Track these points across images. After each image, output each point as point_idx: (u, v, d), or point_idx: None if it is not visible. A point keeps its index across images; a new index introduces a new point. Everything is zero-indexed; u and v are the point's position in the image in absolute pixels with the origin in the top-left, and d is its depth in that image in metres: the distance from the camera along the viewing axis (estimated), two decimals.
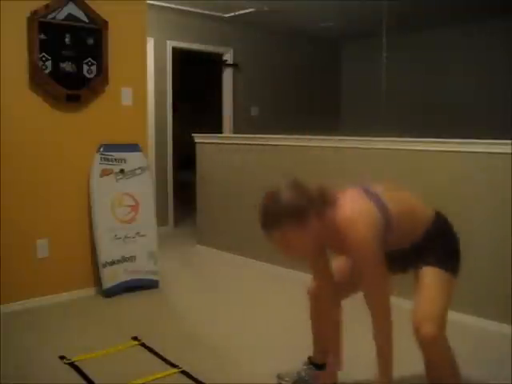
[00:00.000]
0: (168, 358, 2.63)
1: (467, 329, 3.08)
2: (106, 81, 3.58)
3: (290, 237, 1.81)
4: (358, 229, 1.80)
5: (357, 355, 2.75)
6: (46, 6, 3.26)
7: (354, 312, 3.46)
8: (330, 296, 2.22)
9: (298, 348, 2.82)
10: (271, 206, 1.83)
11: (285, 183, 1.89)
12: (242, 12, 5.74)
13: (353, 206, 1.87)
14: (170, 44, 5.70)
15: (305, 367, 2.40)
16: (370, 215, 1.84)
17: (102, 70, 3.54)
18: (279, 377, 2.42)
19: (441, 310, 1.91)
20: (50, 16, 3.29)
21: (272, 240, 1.84)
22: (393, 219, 1.89)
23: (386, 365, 1.96)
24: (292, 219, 1.78)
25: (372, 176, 3.64)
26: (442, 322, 1.89)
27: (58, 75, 3.36)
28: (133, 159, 3.71)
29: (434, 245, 2.01)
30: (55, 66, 3.35)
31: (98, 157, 3.57)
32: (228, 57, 6.31)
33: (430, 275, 1.98)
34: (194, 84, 6.79)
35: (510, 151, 2.97)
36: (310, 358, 2.41)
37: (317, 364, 2.38)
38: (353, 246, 1.82)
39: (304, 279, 3.98)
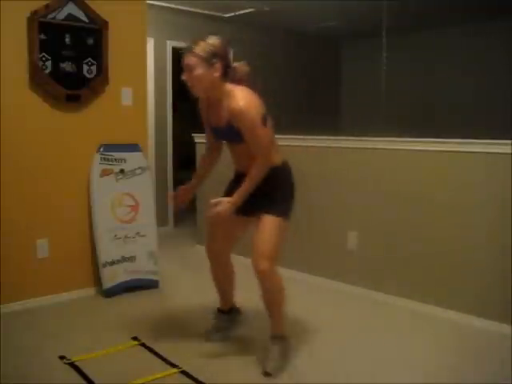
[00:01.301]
0: (168, 358, 2.63)
1: (467, 329, 3.08)
2: (106, 81, 3.57)
3: (195, 67, 2.34)
4: (252, 102, 2.36)
5: (355, 359, 2.76)
6: (46, 6, 3.26)
7: (349, 316, 3.46)
8: (226, 252, 2.78)
9: (298, 348, 2.82)
10: (202, 39, 2.36)
11: (218, 37, 2.40)
12: (241, 12, 5.74)
13: (249, 93, 2.42)
14: (169, 44, 5.70)
15: (214, 315, 2.95)
16: (259, 104, 2.41)
17: (102, 70, 3.54)
18: (206, 334, 2.88)
19: (273, 249, 2.43)
20: (50, 16, 3.29)
21: (185, 60, 2.37)
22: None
23: (245, 191, 2.43)
24: (208, 56, 2.33)
25: (372, 176, 3.65)
26: (273, 259, 2.44)
27: (58, 75, 3.36)
28: (133, 159, 3.71)
29: (276, 190, 2.53)
30: (55, 66, 3.35)
31: (97, 157, 3.57)
32: None
33: (266, 222, 2.45)
34: None
35: (509, 151, 2.97)
36: (218, 308, 2.95)
37: (223, 311, 2.94)
38: (240, 113, 2.33)
39: (305, 280, 3.99)
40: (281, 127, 5.67)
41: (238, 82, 2.45)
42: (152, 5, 4.97)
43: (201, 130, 5.01)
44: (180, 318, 3.28)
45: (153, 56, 5.51)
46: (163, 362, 2.60)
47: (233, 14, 5.82)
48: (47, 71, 3.32)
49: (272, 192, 2.51)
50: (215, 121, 2.56)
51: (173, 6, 5.47)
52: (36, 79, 3.29)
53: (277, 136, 4.35)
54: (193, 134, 4.97)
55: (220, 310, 2.96)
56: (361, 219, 3.73)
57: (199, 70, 2.34)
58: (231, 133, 2.46)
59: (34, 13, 3.22)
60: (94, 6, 3.46)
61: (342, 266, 3.85)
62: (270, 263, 2.41)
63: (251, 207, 2.50)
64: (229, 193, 2.57)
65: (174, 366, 2.56)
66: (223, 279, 2.86)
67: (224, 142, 2.72)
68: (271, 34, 6.65)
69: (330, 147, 3.90)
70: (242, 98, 2.34)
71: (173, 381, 2.44)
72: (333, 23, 6.38)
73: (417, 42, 6.76)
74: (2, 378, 2.43)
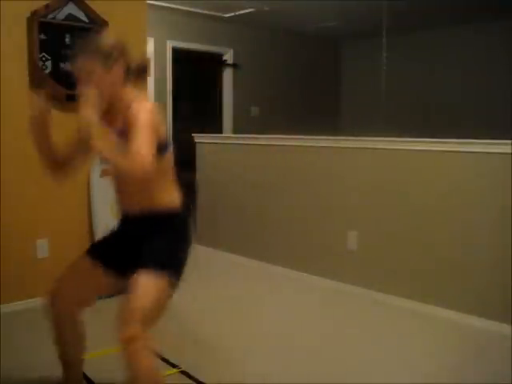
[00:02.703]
0: (168, 358, 2.63)
1: (467, 329, 3.08)
2: None
3: (92, 71, 1.93)
4: (148, 105, 1.89)
5: (354, 359, 2.76)
6: (46, 6, 3.26)
7: (349, 316, 3.46)
8: (76, 307, 2.17)
9: (298, 348, 2.82)
10: (93, 41, 2.00)
11: (114, 38, 2.04)
12: (242, 12, 5.74)
13: (151, 103, 1.97)
14: (169, 44, 5.70)
15: None
16: (159, 121, 1.91)
17: None
18: None
19: (147, 312, 1.82)
20: (50, 16, 3.29)
21: (77, 66, 1.99)
22: (164, 160, 1.96)
23: (104, 142, 1.90)
24: (100, 57, 1.92)
25: (372, 176, 3.65)
26: (144, 327, 1.79)
27: (58, 75, 3.36)
28: None
29: (165, 239, 1.97)
30: (55, 66, 3.35)
31: (98, 157, 3.56)
32: (228, 57, 6.31)
33: (143, 277, 1.85)
34: (194, 84, 6.80)
35: (509, 151, 2.97)
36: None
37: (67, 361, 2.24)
38: (138, 114, 1.84)
39: (304, 279, 3.99)
40: (281, 127, 5.69)
41: (137, 78, 2.06)
42: (152, 5, 4.97)
43: (201, 130, 5.04)
44: (180, 317, 3.28)
45: (153, 56, 5.51)
46: (163, 362, 2.60)
47: (233, 13, 5.83)
48: (47, 71, 3.32)
49: (158, 241, 1.96)
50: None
51: (173, 5, 5.47)
52: (36, 79, 3.29)
53: (277, 136, 4.39)
54: (193, 134, 4.97)
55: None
56: (361, 219, 3.73)
57: (97, 74, 1.93)
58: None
59: (34, 13, 3.22)
60: (93, 6, 3.45)
61: (342, 266, 3.85)
62: (139, 330, 1.76)
63: (127, 261, 1.98)
64: (107, 243, 2.19)
65: (174, 366, 2.56)
66: (72, 342, 2.19)
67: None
68: (271, 34, 6.65)
69: (329, 147, 3.90)
70: (147, 105, 1.90)
71: (173, 381, 2.44)
72: (333, 23, 6.38)
73: (417, 41, 6.76)
74: (2, 378, 2.43)
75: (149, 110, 1.87)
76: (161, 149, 1.89)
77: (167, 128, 5.80)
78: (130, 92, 1.99)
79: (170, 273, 1.90)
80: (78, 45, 2.02)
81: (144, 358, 1.80)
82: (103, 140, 1.89)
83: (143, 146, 1.78)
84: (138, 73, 2.05)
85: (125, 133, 1.87)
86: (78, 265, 2.24)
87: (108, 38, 2.03)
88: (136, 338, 1.75)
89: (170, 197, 2.02)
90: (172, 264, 1.95)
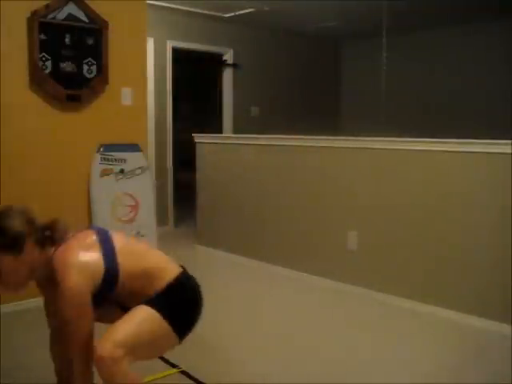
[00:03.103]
0: (168, 358, 2.63)
1: (468, 329, 3.08)
2: (106, 81, 3.58)
3: (2, 265, 1.72)
4: (68, 273, 1.71)
5: (353, 358, 2.76)
6: (46, 6, 3.26)
7: (349, 316, 3.46)
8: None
9: (298, 348, 2.82)
10: None
11: (10, 208, 1.79)
12: (242, 12, 5.74)
13: (71, 250, 1.78)
14: (170, 44, 5.70)
15: None
16: (86, 264, 1.76)
17: (102, 70, 3.54)
18: None
19: (126, 336, 1.72)
20: (50, 16, 3.29)
21: None
22: (122, 276, 1.82)
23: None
24: (3, 246, 1.71)
25: (372, 176, 3.65)
26: (124, 348, 1.70)
27: (58, 75, 3.36)
28: (133, 159, 3.71)
29: (165, 295, 1.88)
30: (55, 66, 3.35)
31: (98, 157, 3.57)
32: (228, 57, 6.31)
33: (136, 309, 1.81)
34: (194, 84, 6.80)
35: (509, 151, 2.97)
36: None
37: None
38: (63, 289, 1.71)
39: (304, 279, 3.99)
40: (281, 127, 5.68)
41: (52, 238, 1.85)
42: (152, 5, 4.97)
43: (201, 130, 5.04)
44: None
45: (153, 56, 5.51)
46: (163, 362, 2.60)
47: (233, 13, 5.82)
48: (47, 71, 3.32)
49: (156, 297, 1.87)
50: (51, 298, 1.95)
51: (173, 5, 5.47)
52: (36, 79, 3.30)
53: (277, 136, 4.40)
54: (193, 134, 4.97)
55: None
56: (361, 219, 3.73)
57: (7, 266, 1.73)
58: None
59: (34, 13, 3.22)
60: (93, 5, 3.46)
61: (342, 266, 3.85)
62: (116, 350, 1.68)
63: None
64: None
65: (174, 366, 2.56)
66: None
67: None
68: (271, 34, 6.65)
69: (329, 147, 3.90)
70: (66, 268, 1.72)
71: (173, 381, 2.44)
72: (333, 23, 6.37)
73: (417, 41, 6.76)
74: (2, 378, 2.43)
75: (71, 274, 1.71)
76: (105, 288, 1.78)
77: (168, 128, 5.80)
78: (49, 254, 1.82)
79: (165, 314, 1.82)
80: None
81: (122, 379, 1.73)
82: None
83: (75, 325, 1.72)
84: (51, 234, 1.84)
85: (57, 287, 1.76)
86: None
87: (9, 220, 1.73)
88: (112, 356, 1.68)
89: (159, 280, 1.88)
90: (171, 309, 1.86)
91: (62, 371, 2.12)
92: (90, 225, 1.80)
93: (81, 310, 1.73)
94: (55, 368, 2.15)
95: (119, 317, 1.81)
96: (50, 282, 1.83)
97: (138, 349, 1.77)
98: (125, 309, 1.86)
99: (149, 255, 1.99)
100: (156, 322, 1.80)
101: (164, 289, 1.86)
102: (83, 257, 1.76)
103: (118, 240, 1.90)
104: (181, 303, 1.92)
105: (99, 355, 1.67)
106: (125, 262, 1.83)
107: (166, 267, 1.94)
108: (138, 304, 1.82)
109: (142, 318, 1.79)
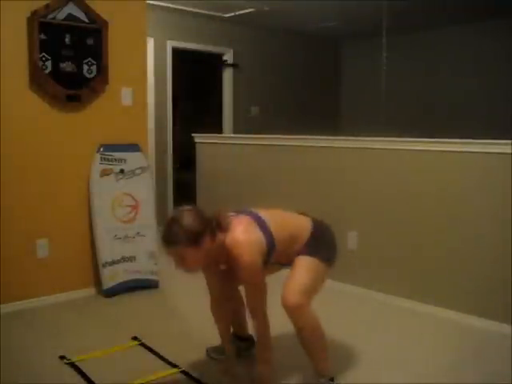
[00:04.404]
0: (168, 358, 2.63)
1: (468, 329, 3.08)
2: (106, 81, 3.58)
3: (184, 255, 2.12)
4: (245, 253, 2.13)
5: (359, 355, 2.76)
6: (46, 6, 3.26)
7: (349, 316, 3.46)
8: (226, 303, 2.55)
9: (298, 348, 2.82)
10: (173, 227, 2.14)
11: (186, 209, 2.20)
12: (241, 12, 5.73)
13: (243, 233, 2.19)
14: (170, 44, 5.70)
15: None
16: (256, 243, 2.19)
17: (102, 70, 3.54)
18: (208, 351, 2.71)
19: (305, 285, 2.24)
20: (50, 16, 3.29)
21: (168, 254, 2.15)
22: (277, 244, 2.27)
23: (265, 351, 2.33)
24: (187, 241, 2.09)
25: (372, 176, 3.65)
26: (305, 295, 2.23)
27: (58, 75, 3.36)
28: (133, 159, 3.71)
29: (311, 242, 2.36)
30: (55, 66, 3.35)
31: (98, 157, 3.57)
32: (228, 57, 6.31)
33: (300, 260, 2.31)
34: (194, 84, 6.79)
35: (509, 151, 2.97)
36: (233, 333, 2.70)
37: (240, 336, 2.73)
38: (240, 267, 2.15)
39: None
40: (281, 127, 5.68)
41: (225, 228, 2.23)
42: (152, 5, 4.96)
43: (201, 130, 5.04)
44: (180, 317, 3.28)
45: (153, 56, 5.50)
46: (163, 362, 2.60)
47: (233, 13, 5.82)
48: (47, 71, 3.32)
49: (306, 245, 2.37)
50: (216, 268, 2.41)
51: (173, 5, 5.46)
52: (36, 79, 3.30)
53: (277, 136, 4.39)
54: (193, 134, 4.97)
55: (236, 336, 2.74)
56: (361, 219, 3.73)
57: (190, 256, 2.13)
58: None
59: (34, 13, 3.22)
60: (93, 6, 3.46)
61: (342, 266, 3.83)
62: (301, 298, 2.21)
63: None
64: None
65: (174, 365, 2.56)
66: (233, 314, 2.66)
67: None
68: (271, 34, 6.65)
69: (329, 147, 3.90)
70: (241, 243, 2.16)
71: (173, 381, 2.44)
72: (333, 23, 6.37)
73: (417, 41, 6.75)
74: (2, 378, 2.43)
75: (246, 252, 2.14)
76: (268, 256, 2.25)
77: (168, 128, 5.80)
78: (220, 239, 2.19)
79: (322, 256, 2.33)
80: (165, 235, 2.15)
81: (309, 318, 2.26)
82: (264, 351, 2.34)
83: (255, 296, 2.24)
84: (218, 228, 2.20)
85: (230, 266, 2.26)
86: None
87: (190, 217, 2.15)
88: (299, 304, 2.20)
89: (300, 238, 2.36)
90: (322, 252, 2.35)
91: (226, 332, 2.56)
92: (238, 210, 2.45)
93: (257, 276, 2.19)
94: (219, 331, 2.56)
95: (277, 269, 2.47)
96: (217, 260, 2.29)
97: (313, 290, 2.29)
98: (280, 264, 2.41)
99: (288, 220, 2.45)
100: (317, 267, 2.31)
101: (309, 239, 2.34)
102: (251, 237, 2.19)
103: (266, 216, 2.34)
104: (324, 243, 2.40)
105: (289, 305, 2.20)
106: (276, 233, 2.27)
107: (302, 224, 2.42)
108: (290, 258, 2.32)
109: (308, 268, 2.29)
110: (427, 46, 6.69)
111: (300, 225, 2.42)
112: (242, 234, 2.18)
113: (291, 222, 2.44)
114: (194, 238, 2.10)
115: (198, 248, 2.12)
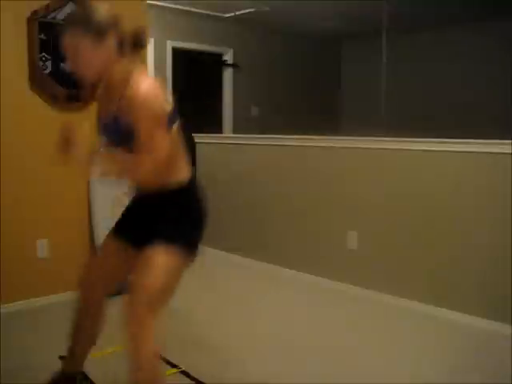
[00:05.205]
0: (168, 358, 2.63)
1: (467, 329, 3.08)
2: None
3: (80, 46, 1.74)
4: (146, 87, 1.74)
5: (356, 361, 2.76)
6: (46, 6, 3.25)
7: (349, 316, 3.46)
8: (100, 292, 2.19)
9: (298, 348, 2.82)
10: (79, 9, 1.82)
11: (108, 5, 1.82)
12: (241, 12, 5.74)
13: (150, 79, 1.79)
14: (170, 44, 5.70)
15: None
16: (161, 96, 1.78)
17: None
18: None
19: (156, 292, 1.85)
20: (50, 16, 3.28)
21: (65, 40, 1.76)
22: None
23: (108, 160, 1.92)
24: (88, 27, 1.73)
25: (372, 176, 3.65)
26: (153, 308, 1.84)
27: (58, 75, 3.36)
28: None
29: (175, 215, 1.90)
30: (55, 66, 3.35)
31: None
32: (228, 57, 6.31)
33: (153, 252, 1.83)
34: (194, 84, 6.80)
35: (509, 151, 2.97)
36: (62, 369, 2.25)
37: (67, 373, 2.25)
38: (136, 102, 1.72)
39: (304, 279, 3.99)
40: (281, 127, 5.68)
41: (133, 50, 1.85)
42: (152, 5, 4.97)
43: (201, 130, 5.04)
44: (180, 317, 3.28)
45: (153, 56, 5.51)
46: (163, 362, 2.60)
47: (233, 14, 5.83)
48: (47, 71, 3.32)
49: (168, 218, 1.90)
50: (103, 113, 1.92)
51: (173, 6, 5.47)
52: (36, 79, 3.29)
53: (277, 136, 4.40)
54: (193, 134, 4.97)
55: (64, 373, 2.24)
56: (361, 219, 3.73)
57: (86, 50, 1.74)
58: (119, 133, 1.82)
59: (34, 13, 3.22)
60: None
61: (342, 266, 3.85)
62: (146, 312, 1.81)
63: (142, 238, 1.91)
64: (125, 220, 2.08)
65: (174, 366, 2.56)
66: (89, 327, 2.25)
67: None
68: (271, 34, 6.65)
69: (329, 147, 3.90)
70: (144, 84, 1.74)
71: (173, 381, 2.44)
72: (333, 23, 6.38)
73: (417, 41, 6.76)
74: (2, 378, 2.43)
75: (149, 90, 1.74)
76: (168, 123, 1.81)
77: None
78: (125, 66, 1.82)
79: (180, 246, 1.84)
80: (67, 17, 1.86)
81: (146, 348, 1.82)
82: (109, 166, 1.88)
83: (154, 148, 1.74)
84: (133, 44, 1.84)
85: (122, 110, 1.77)
86: (104, 246, 2.17)
87: (98, 7, 1.78)
88: (140, 322, 1.76)
89: (180, 171, 1.92)
90: (185, 237, 1.89)
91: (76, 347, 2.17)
92: None
93: (156, 127, 1.75)
94: (71, 343, 2.18)
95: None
96: (112, 90, 1.83)
97: (162, 301, 1.89)
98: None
99: (182, 149, 1.98)
100: (179, 264, 1.86)
101: (176, 192, 1.90)
102: (158, 86, 1.78)
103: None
104: (195, 226, 1.96)
105: (130, 320, 1.78)
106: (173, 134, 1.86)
107: (185, 167, 1.95)
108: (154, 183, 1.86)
109: (166, 264, 1.82)
110: (427, 46, 6.70)
111: (184, 165, 1.95)
112: (150, 79, 1.79)
113: (183, 153, 1.98)
114: (98, 27, 1.74)
115: (98, 43, 1.74)
